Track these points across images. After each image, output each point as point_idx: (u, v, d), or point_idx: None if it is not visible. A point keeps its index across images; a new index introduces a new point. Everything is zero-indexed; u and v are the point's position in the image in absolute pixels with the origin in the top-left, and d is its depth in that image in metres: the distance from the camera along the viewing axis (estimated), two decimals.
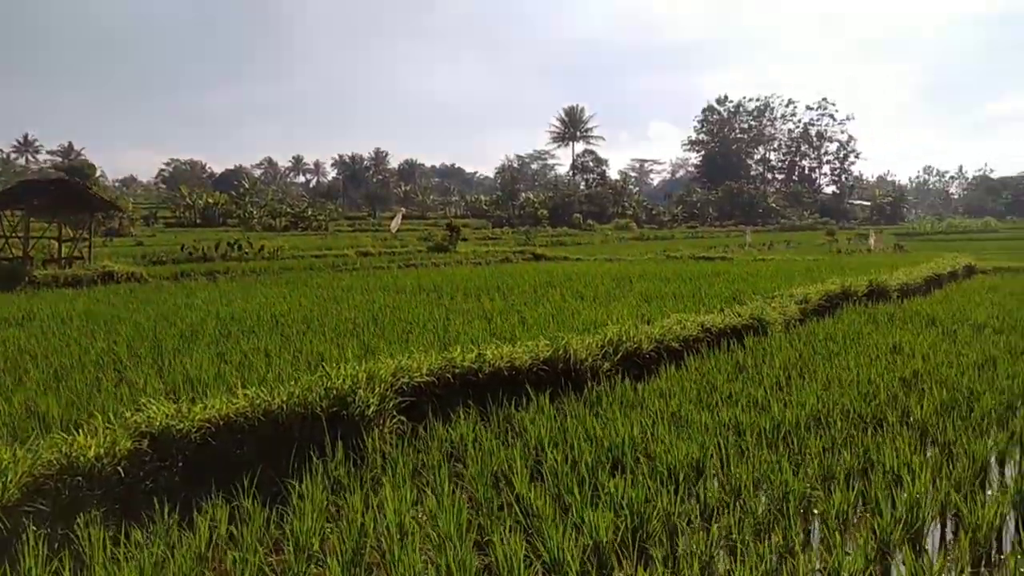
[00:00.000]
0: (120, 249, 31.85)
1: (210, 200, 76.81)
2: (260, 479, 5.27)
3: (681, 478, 5.09)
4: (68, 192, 24.06)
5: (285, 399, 5.93)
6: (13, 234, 23.65)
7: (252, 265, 27.12)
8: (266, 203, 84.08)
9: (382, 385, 6.47)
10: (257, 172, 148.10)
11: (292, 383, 6.22)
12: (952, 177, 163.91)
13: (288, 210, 77.07)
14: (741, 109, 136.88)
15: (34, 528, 4.26)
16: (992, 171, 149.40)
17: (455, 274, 22.95)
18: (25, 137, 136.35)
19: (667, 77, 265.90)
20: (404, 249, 36.39)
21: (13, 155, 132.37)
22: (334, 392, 6.16)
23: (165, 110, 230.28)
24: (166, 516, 4.60)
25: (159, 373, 7.67)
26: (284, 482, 5.47)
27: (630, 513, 4.46)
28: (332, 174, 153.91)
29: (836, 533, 4.34)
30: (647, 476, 5.12)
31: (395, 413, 6.55)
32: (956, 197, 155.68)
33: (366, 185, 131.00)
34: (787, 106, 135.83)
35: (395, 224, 44.80)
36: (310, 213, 75.50)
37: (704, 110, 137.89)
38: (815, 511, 4.93)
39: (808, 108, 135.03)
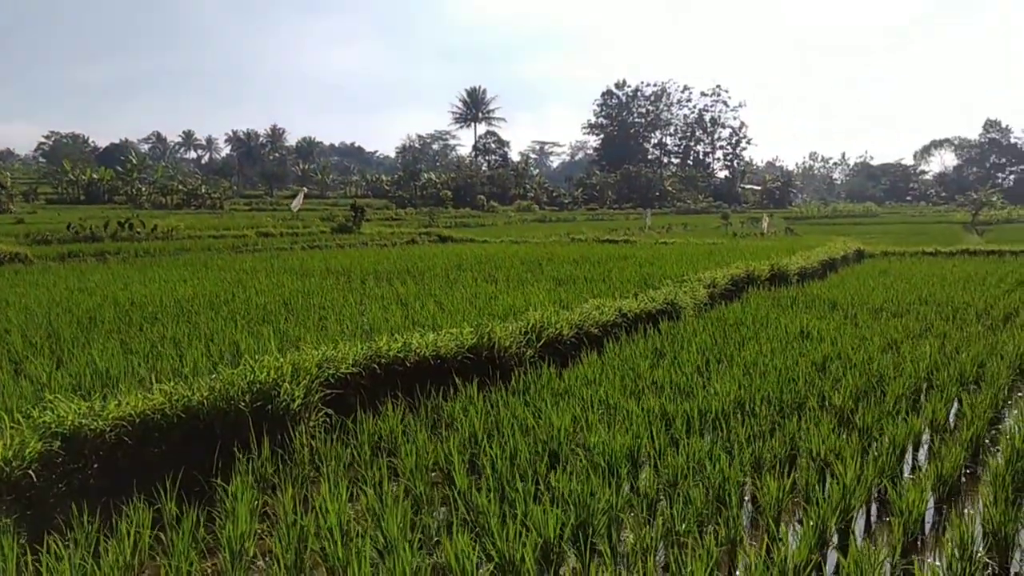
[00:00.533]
0: None
1: (94, 176, 72.99)
2: (183, 479, 5.01)
3: (619, 470, 5.11)
4: None
5: (206, 394, 5.64)
6: None
7: (145, 246, 25.92)
8: (156, 179, 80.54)
9: (307, 377, 6.25)
10: (144, 147, 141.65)
11: (211, 376, 5.93)
12: (836, 163, 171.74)
13: (180, 187, 74.03)
14: (639, 94, 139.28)
15: None
16: (872, 158, 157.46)
17: (362, 256, 22.52)
18: None
19: (566, 61, 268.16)
20: (307, 230, 35.49)
21: None
22: (257, 386, 5.91)
23: (43, 82, 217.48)
24: (85, 522, 4.30)
25: (59, 365, 7.20)
26: (209, 482, 5.23)
27: (574, 508, 4.44)
28: (226, 151, 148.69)
29: (774, 523, 4.45)
30: (586, 469, 5.12)
31: (321, 406, 6.35)
32: (839, 183, 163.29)
33: (262, 163, 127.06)
34: (683, 92, 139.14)
35: (296, 203, 43.61)
36: (204, 191, 72.79)
37: (603, 94, 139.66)
38: (748, 500, 5.05)
39: (703, 94, 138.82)
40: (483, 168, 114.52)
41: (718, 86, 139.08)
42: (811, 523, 4.19)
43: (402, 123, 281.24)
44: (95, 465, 4.97)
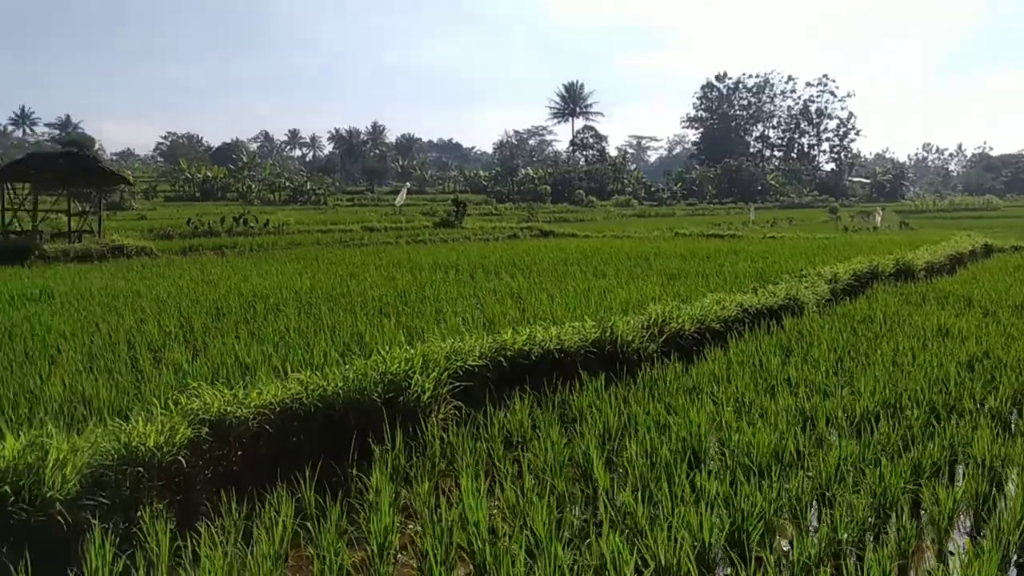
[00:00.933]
0: (124, 223, 31.43)
1: (208, 174, 76.02)
2: (318, 469, 5.02)
3: (767, 471, 4.85)
4: (77, 165, 23.65)
5: (340, 384, 5.67)
6: (21, 207, 23.25)
7: (259, 240, 26.78)
8: (264, 177, 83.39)
9: (436, 369, 6.21)
10: (254, 146, 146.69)
11: (345, 367, 5.96)
12: (951, 155, 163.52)
13: (287, 184, 76.41)
14: (740, 86, 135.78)
15: (97, 523, 4.00)
16: (991, 148, 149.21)
17: (467, 250, 22.64)
18: (22, 109, 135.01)
19: (664, 54, 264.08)
20: (410, 224, 36.03)
21: (10, 127, 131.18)
22: (389, 377, 5.91)
23: (159, 84, 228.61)
24: (233, 510, 4.35)
25: (196, 354, 7.40)
26: (345, 472, 5.24)
27: (726, 511, 4.23)
28: (329, 148, 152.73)
29: (944, 535, 4.12)
30: (730, 469, 4.89)
31: (449, 399, 6.31)
32: (955, 175, 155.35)
33: (363, 159, 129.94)
34: (787, 83, 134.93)
35: (400, 199, 44.40)
36: (309, 187, 74.87)
37: (703, 87, 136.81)
38: (909, 508, 4.71)
39: (808, 84, 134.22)
40: (580, 163, 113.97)
41: (825, 75, 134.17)
42: (991, 536, 3.85)
43: (498, 119, 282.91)
44: (239, 452, 5.05)
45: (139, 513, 4.31)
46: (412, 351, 6.22)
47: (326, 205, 64.81)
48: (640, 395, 6.67)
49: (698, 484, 4.62)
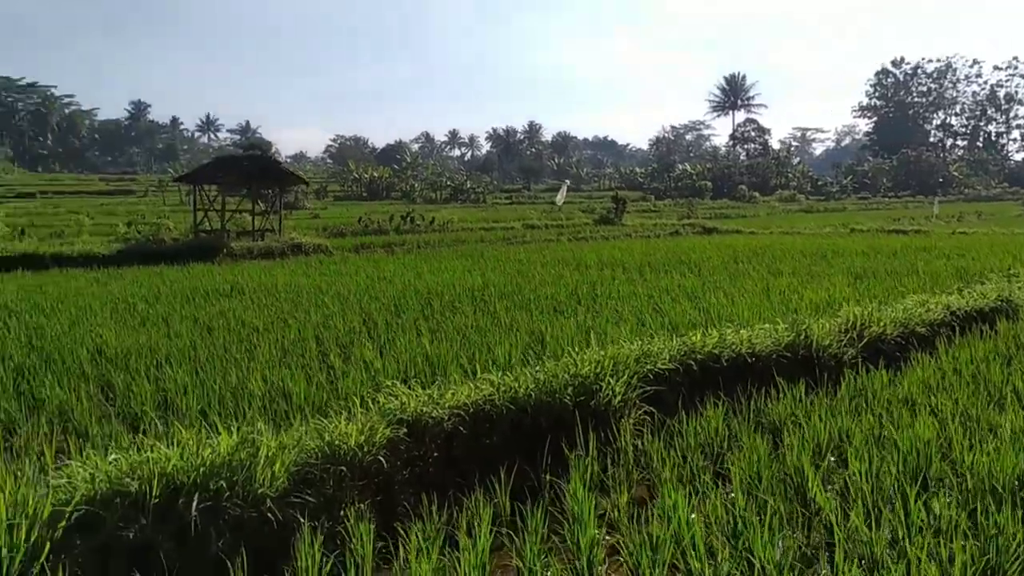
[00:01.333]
0: (300, 222, 33.10)
1: (375, 174, 79.28)
2: (509, 473, 4.87)
3: (1017, 499, 4.27)
4: (260, 167, 25.13)
5: (532, 386, 5.52)
6: (211, 207, 24.97)
7: (425, 237, 27.46)
8: (426, 176, 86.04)
9: (627, 372, 5.95)
10: (415, 146, 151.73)
11: (535, 368, 5.81)
12: None
13: (448, 183, 78.42)
14: (919, 71, 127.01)
15: (305, 522, 4.01)
16: None
17: (631, 247, 22.23)
18: (207, 116, 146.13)
19: (828, 43, 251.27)
20: (570, 222, 35.95)
21: (197, 134, 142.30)
22: (579, 379, 5.71)
23: (324, 90, 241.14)
24: (433, 513, 4.27)
25: (381, 351, 7.50)
26: (539, 477, 5.08)
27: (974, 543, 3.72)
28: (486, 147, 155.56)
29: None
30: (970, 495, 4.34)
31: (638, 403, 6.04)
32: None
33: (520, 158, 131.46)
34: (971, 67, 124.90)
35: (560, 196, 44.45)
36: (469, 185, 76.50)
37: (877, 73, 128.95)
38: None
39: (996, 68, 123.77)
40: (741, 157, 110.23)
41: (1015, 58, 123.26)
42: None
43: (653, 115, 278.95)
44: (435, 454, 4.99)
45: (342, 513, 4.31)
46: (602, 353, 5.98)
47: (485, 203, 65.93)
48: (847, 406, 6.13)
49: (935, 510, 4.12)
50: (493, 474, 4.84)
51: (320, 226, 30.98)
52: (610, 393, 5.70)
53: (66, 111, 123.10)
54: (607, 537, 4.41)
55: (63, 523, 3.46)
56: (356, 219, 32.39)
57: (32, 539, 3.33)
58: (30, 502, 3.42)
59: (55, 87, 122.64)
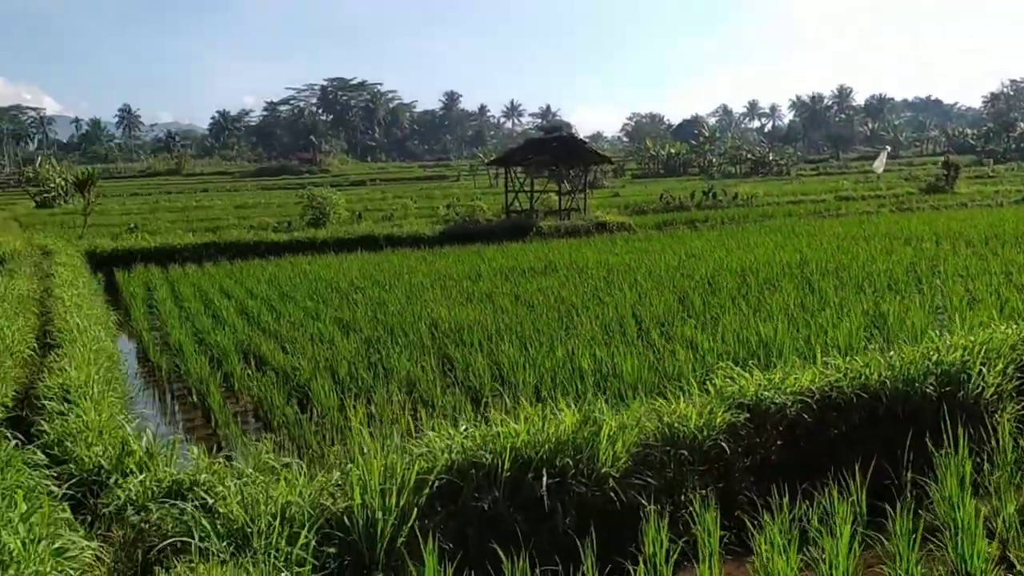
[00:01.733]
0: (602, 201, 33.54)
1: (672, 150, 78.41)
2: (869, 467, 4.38)
3: None
4: (567, 148, 25.78)
5: (886, 372, 4.96)
6: (521, 189, 26.12)
7: (729, 213, 26.53)
8: (725, 150, 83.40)
9: (1001, 360, 5.15)
10: (712, 120, 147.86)
11: (889, 354, 5.21)
12: None
13: (748, 156, 75.39)
14: None
15: (651, 505, 3.89)
16: None
17: (971, 218, 19.74)
18: (511, 102, 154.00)
19: None
20: (891, 191, 32.84)
21: (502, 119, 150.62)
22: (942, 367, 5.03)
23: (618, 68, 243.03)
24: (784, 505, 3.94)
25: (702, 328, 7.23)
26: (899, 475, 4.54)
27: None
28: (789, 116, 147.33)
29: None
30: None
31: (1015, 396, 5.20)
32: None
33: (827, 125, 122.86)
34: None
35: (879, 164, 40.82)
36: (771, 158, 72.95)
37: None
38: None
39: None
40: None
41: None
42: None
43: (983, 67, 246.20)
44: (777, 441, 4.64)
45: (683, 498, 4.14)
46: (970, 338, 5.23)
47: (789, 175, 62.46)
48: None
49: None
50: (843, 466, 4.40)
51: (621, 204, 31.16)
52: (981, 383, 4.96)
53: (390, 105, 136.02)
54: (987, 548, 3.81)
55: (427, 490, 3.64)
56: (656, 196, 32.15)
57: (400, 504, 3.53)
58: (398, 470, 3.63)
59: (381, 84, 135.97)
